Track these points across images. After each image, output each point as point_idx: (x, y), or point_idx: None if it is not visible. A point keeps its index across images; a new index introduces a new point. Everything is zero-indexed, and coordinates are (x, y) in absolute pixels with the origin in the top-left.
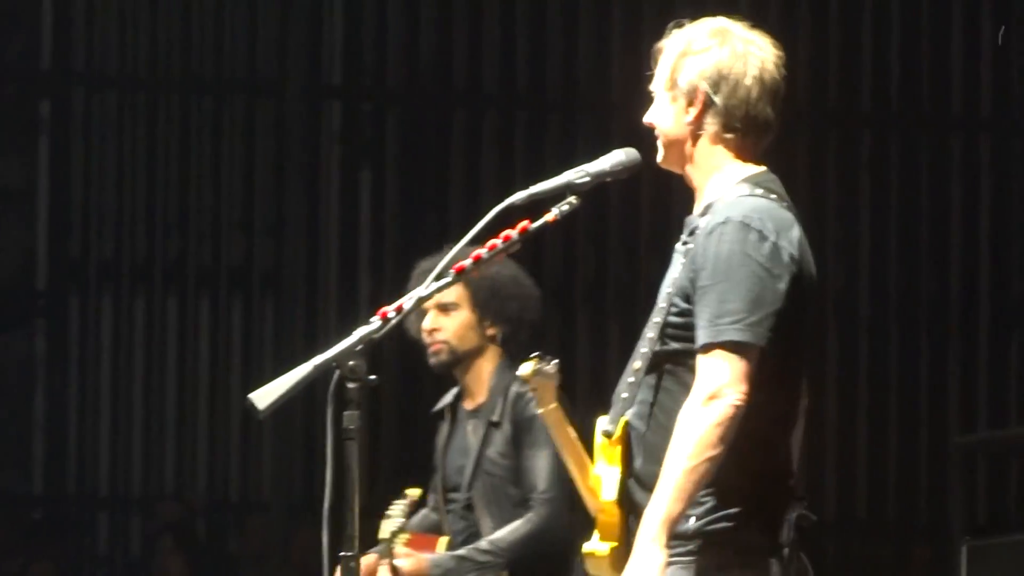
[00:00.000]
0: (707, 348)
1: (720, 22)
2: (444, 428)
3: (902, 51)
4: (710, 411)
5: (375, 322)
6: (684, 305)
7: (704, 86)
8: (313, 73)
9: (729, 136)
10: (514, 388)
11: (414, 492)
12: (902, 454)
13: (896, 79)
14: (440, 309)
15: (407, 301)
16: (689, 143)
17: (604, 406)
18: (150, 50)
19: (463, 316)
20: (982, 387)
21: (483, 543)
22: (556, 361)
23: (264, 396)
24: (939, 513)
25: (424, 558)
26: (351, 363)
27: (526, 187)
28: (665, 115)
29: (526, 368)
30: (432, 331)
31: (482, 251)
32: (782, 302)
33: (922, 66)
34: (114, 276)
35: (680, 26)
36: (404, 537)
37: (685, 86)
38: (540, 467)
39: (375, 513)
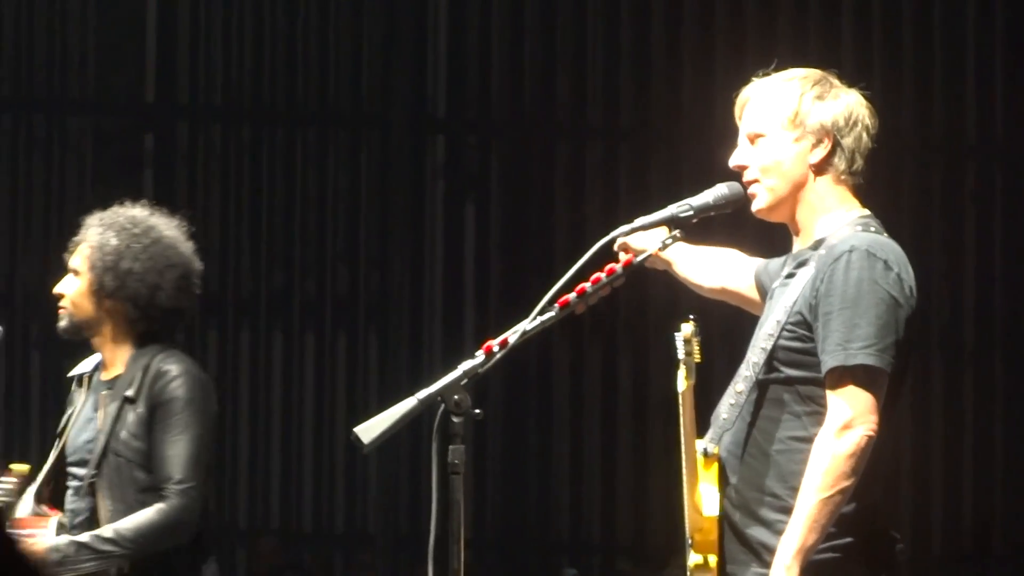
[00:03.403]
0: (837, 373)
1: (818, 72)
2: (79, 396)
3: (1005, 84)
4: (843, 442)
5: (480, 356)
6: (801, 331)
7: (835, 128)
8: (418, 106)
9: (849, 177)
10: (156, 365)
11: (21, 467)
12: (1008, 485)
13: (1000, 112)
14: (73, 272)
15: (512, 335)
16: (809, 183)
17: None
18: (255, 83)
19: (82, 283)
20: None
21: (107, 531)
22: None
23: (369, 430)
24: None
25: (41, 542)
26: (456, 397)
27: (630, 220)
28: (784, 155)
29: (688, 328)
30: (58, 295)
31: (586, 284)
32: (903, 332)
33: None
34: (220, 309)
35: (766, 74)
36: (10, 517)
37: (815, 127)
38: (176, 454)
39: None
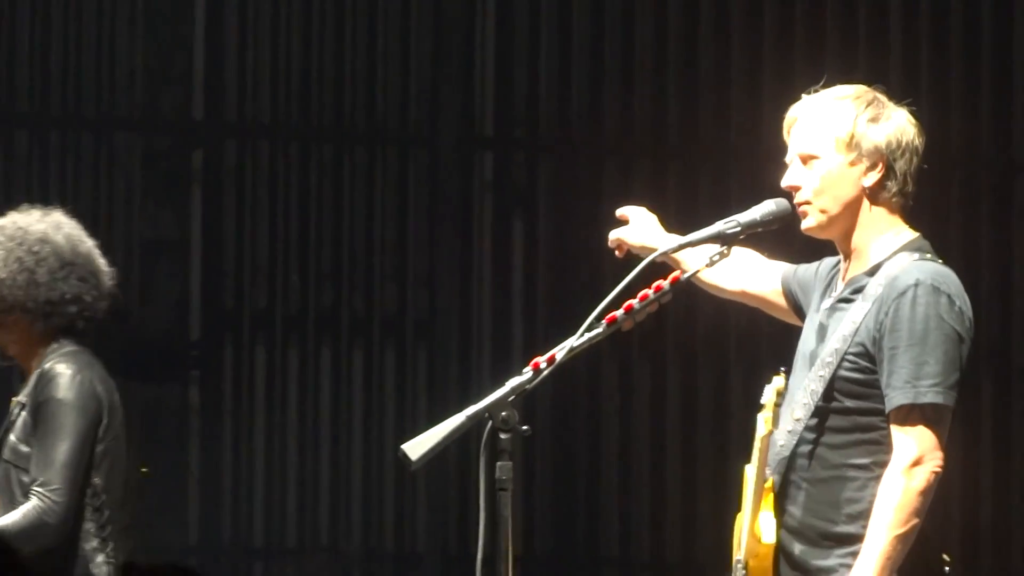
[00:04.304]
0: (906, 410)
1: (868, 90)
2: None
3: None
4: (914, 479)
5: (528, 372)
6: (863, 363)
7: (888, 150)
8: (465, 124)
9: (900, 200)
10: (46, 367)
11: None
12: None
13: None
14: None
15: (559, 352)
16: (864, 206)
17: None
18: (303, 100)
19: None
20: None
21: None
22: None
23: (417, 447)
24: None
25: None
26: (503, 413)
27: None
28: (838, 178)
29: (779, 381)
30: None
31: (634, 301)
32: (965, 365)
33: None
34: (268, 326)
35: (815, 91)
36: None
37: (870, 149)
38: (45, 456)
39: None
